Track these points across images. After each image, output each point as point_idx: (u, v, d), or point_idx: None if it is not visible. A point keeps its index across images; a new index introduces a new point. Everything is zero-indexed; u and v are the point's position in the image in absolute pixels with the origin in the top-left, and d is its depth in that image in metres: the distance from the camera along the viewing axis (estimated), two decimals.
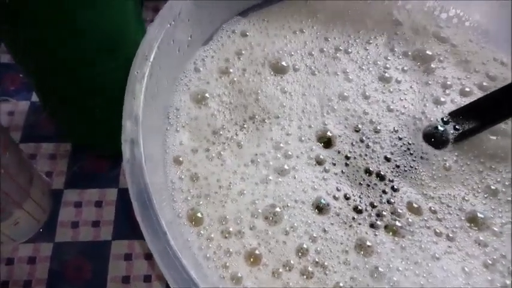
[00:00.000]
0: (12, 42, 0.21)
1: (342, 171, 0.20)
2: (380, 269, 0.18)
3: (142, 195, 0.15)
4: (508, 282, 0.18)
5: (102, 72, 0.22)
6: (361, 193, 0.20)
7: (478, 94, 0.23)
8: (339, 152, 0.21)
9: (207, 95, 0.21)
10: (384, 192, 0.20)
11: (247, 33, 0.23)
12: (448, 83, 0.23)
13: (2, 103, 0.30)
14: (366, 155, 0.21)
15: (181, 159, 0.20)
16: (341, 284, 0.17)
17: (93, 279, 0.25)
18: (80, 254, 0.25)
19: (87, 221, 0.27)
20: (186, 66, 0.22)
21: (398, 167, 0.21)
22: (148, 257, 0.25)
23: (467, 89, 0.23)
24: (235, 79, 0.22)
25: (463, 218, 0.20)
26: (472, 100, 0.22)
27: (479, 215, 0.20)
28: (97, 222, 0.27)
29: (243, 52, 0.23)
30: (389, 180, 0.20)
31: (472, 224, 0.20)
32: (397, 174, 0.20)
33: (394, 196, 0.20)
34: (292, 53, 0.23)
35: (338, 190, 0.20)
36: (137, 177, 0.15)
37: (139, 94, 0.17)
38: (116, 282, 0.24)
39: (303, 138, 0.21)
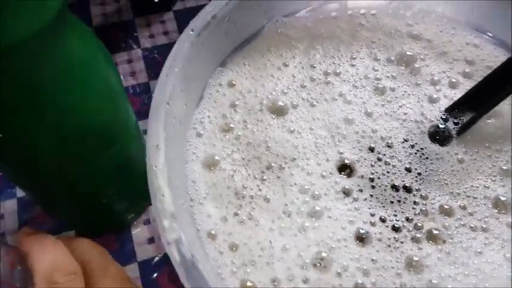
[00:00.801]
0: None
1: (371, 195, 0.21)
2: (434, 281, 0.18)
3: None
4: None
5: (102, 162, 0.21)
6: (395, 211, 0.20)
7: (465, 82, 0.24)
8: (362, 177, 0.21)
9: (217, 158, 0.21)
10: (415, 203, 0.20)
11: (234, 82, 0.23)
12: (436, 78, 0.24)
13: None
14: (388, 171, 0.21)
15: (213, 232, 0.19)
16: None
17: None
18: None
19: None
20: (187, 134, 0.21)
21: (420, 174, 0.21)
22: None
23: (453, 80, 0.24)
24: (239, 133, 0.22)
25: (490, 206, 0.21)
26: (460, 91, 0.23)
27: (501, 198, 0.21)
28: None
29: (237, 103, 0.22)
30: (417, 190, 0.21)
31: (500, 209, 0.21)
32: (421, 182, 0.21)
33: (426, 204, 0.20)
34: (285, 91, 0.23)
35: (372, 215, 0.20)
36: (193, 276, 0.15)
37: (165, 188, 0.16)
38: None
39: (324, 174, 0.21)
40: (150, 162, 0.17)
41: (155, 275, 0.27)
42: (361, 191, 0.21)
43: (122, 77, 0.34)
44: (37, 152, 0.19)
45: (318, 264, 0.19)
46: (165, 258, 0.28)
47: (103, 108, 0.18)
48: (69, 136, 0.17)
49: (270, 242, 0.19)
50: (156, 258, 0.28)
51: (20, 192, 0.29)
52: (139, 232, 0.28)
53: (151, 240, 0.28)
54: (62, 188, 0.23)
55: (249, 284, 0.18)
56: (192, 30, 0.20)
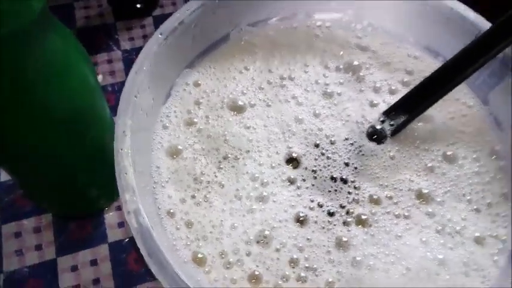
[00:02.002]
0: None
1: (312, 184, 0.24)
2: (358, 258, 0.22)
3: (157, 257, 0.17)
4: (457, 239, 0.23)
5: (77, 148, 0.24)
6: (331, 198, 0.23)
7: (403, 90, 0.27)
8: (306, 169, 0.24)
9: (180, 147, 0.24)
10: (349, 192, 0.24)
11: (199, 82, 0.26)
12: (378, 85, 0.28)
13: None
14: (329, 165, 0.24)
15: (172, 211, 0.22)
16: (330, 280, 0.21)
17: None
18: None
19: (88, 280, 0.28)
20: (155, 126, 0.24)
21: (356, 168, 0.24)
22: None
23: (393, 88, 0.28)
24: (201, 127, 0.25)
25: (413, 197, 0.24)
26: (398, 97, 0.27)
27: (424, 190, 0.24)
28: (97, 280, 0.29)
29: (201, 101, 0.25)
30: (352, 181, 0.24)
31: (421, 200, 0.24)
32: (356, 175, 0.24)
33: (358, 194, 0.24)
34: (245, 91, 0.26)
35: (312, 201, 0.23)
36: (148, 242, 0.18)
37: (129, 168, 0.19)
38: None
39: (273, 165, 0.24)
40: (117, 146, 0.19)
41: (124, 255, 0.30)
42: (304, 180, 0.24)
43: (101, 75, 0.37)
44: (18, 139, 0.21)
45: (261, 241, 0.22)
46: (133, 241, 0.31)
47: (78, 100, 0.21)
48: (46, 124, 0.20)
49: (221, 221, 0.22)
50: (125, 241, 0.30)
51: (3, 177, 0.31)
52: (111, 217, 0.31)
53: (121, 225, 0.31)
54: (41, 173, 0.25)
55: (199, 255, 0.21)
56: (161, 34, 0.23)
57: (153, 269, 0.17)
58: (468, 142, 0.26)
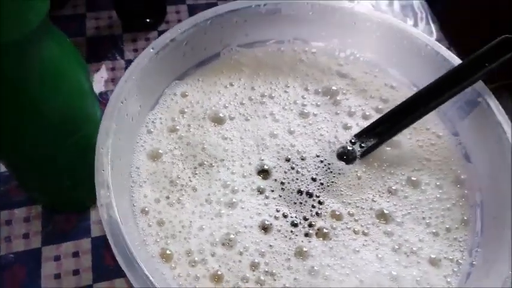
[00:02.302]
0: None
1: (280, 195, 0.25)
2: (315, 267, 0.23)
3: (122, 246, 0.19)
4: (413, 258, 0.24)
5: (66, 146, 0.26)
6: (296, 210, 0.25)
7: (376, 116, 0.29)
8: (275, 180, 0.26)
9: (160, 151, 0.26)
10: (313, 206, 0.25)
11: (187, 94, 0.28)
12: (352, 110, 0.29)
13: None
14: (297, 179, 0.26)
15: (147, 209, 0.24)
16: (287, 285, 0.22)
17: None
18: None
19: (68, 271, 0.30)
20: (139, 130, 0.26)
21: (322, 184, 0.26)
22: None
23: (367, 113, 0.29)
24: (182, 134, 0.27)
25: (373, 216, 0.25)
26: (370, 122, 0.28)
27: (385, 211, 0.26)
28: (77, 271, 0.30)
29: (186, 110, 0.28)
30: (316, 196, 0.26)
31: (381, 219, 0.25)
32: (322, 190, 0.26)
33: (321, 208, 0.25)
34: (227, 105, 0.28)
35: (278, 211, 0.25)
36: (116, 233, 0.20)
37: (106, 166, 0.21)
38: None
39: (245, 174, 0.26)
40: (98, 145, 0.21)
41: (103, 250, 0.31)
42: (272, 191, 0.25)
43: (103, 82, 0.40)
44: (12, 138, 0.24)
45: (226, 244, 0.23)
46: None
47: (70, 103, 0.23)
48: (39, 125, 0.22)
49: (191, 222, 0.24)
50: (106, 237, 0.32)
51: (1, 169, 0.34)
52: (96, 213, 0.33)
53: None
54: (33, 168, 0.28)
55: (167, 252, 0.23)
56: (152, 49, 0.25)
57: (118, 258, 0.19)
58: (433, 170, 0.27)
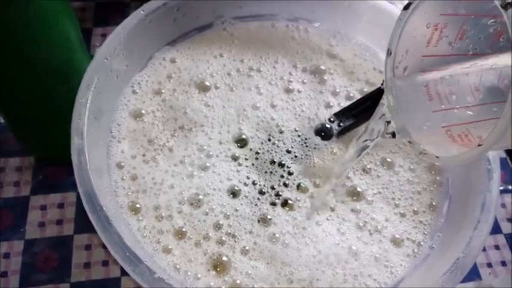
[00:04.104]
0: None
1: (253, 164, 0.26)
2: (276, 234, 0.24)
3: (88, 192, 0.20)
4: (375, 236, 0.25)
5: (55, 96, 0.27)
6: (265, 179, 0.26)
7: (359, 97, 0.30)
8: (251, 150, 0.27)
9: (143, 111, 0.27)
10: (282, 176, 0.26)
11: (176, 60, 0.29)
12: (337, 90, 0.30)
13: None
14: (273, 150, 0.27)
15: (122, 164, 0.25)
16: (247, 248, 0.23)
17: (60, 267, 0.29)
18: (47, 247, 0.30)
19: (52, 220, 0.32)
20: (124, 89, 0.27)
21: (296, 156, 0.27)
22: (105, 246, 0.31)
23: (351, 94, 0.30)
24: (166, 98, 0.28)
25: (344, 192, 0.26)
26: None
27: (357, 188, 0.26)
28: (60, 221, 0.32)
29: (173, 75, 0.28)
30: (287, 167, 0.26)
31: (352, 197, 0.26)
32: (294, 162, 0.26)
33: (289, 179, 0.26)
34: (214, 74, 0.29)
35: (248, 178, 0.26)
36: (84, 180, 0.21)
37: (83, 116, 0.22)
38: (79, 268, 0.30)
39: (222, 141, 0.27)
40: (78, 96, 0.23)
41: None
42: (246, 159, 0.26)
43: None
44: (8, 84, 0.25)
45: (194, 204, 0.24)
46: None
47: (57, 51, 0.24)
48: (27, 69, 0.24)
49: (162, 179, 0.25)
50: None
51: None
52: None
53: None
54: (24, 117, 0.29)
55: (137, 205, 0.24)
56: (143, 11, 0.26)
57: (84, 200, 0.20)
58: (409, 154, 0.28)
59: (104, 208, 0.20)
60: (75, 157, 0.21)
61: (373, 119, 0.22)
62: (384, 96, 0.21)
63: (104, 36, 0.42)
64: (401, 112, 0.20)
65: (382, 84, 0.22)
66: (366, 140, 0.22)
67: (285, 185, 0.26)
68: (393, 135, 0.21)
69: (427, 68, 0.20)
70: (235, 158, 0.26)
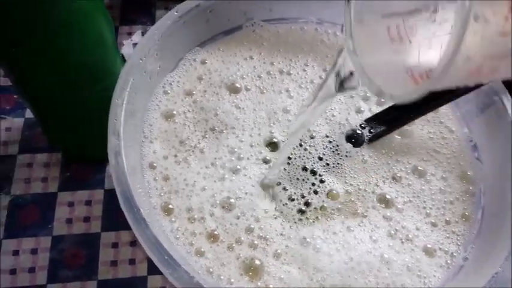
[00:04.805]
0: (13, 74, 0.26)
1: (284, 169, 0.26)
2: (307, 239, 0.24)
3: (125, 194, 0.21)
4: (407, 245, 0.25)
5: (87, 95, 0.27)
6: (296, 187, 0.26)
7: (391, 103, 0.29)
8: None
9: (174, 112, 0.27)
10: (313, 184, 0.26)
11: (206, 61, 0.29)
12: (368, 95, 0.29)
13: (0, 121, 0.35)
14: (304, 156, 0.27)
15: (155, 164, 0.25)
16: (278, 251, 0.23)
17: (87, 264, 0.30)
18: (74, 244, 0.30)
19: (79, 217, 0.32)
20: (156, 90, 0.27)
21: (328, 164, 0.27)
22: (133, 244, 0.31)
23: (382, 100, 0.29)
24: (197, 99, 0.27)
25: (375, 199, 0.26)
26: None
27: (387, 196, 0.26)
28: (87, 218, 0.32)
29: (203, 77, 0.28)
30: (320, 175, 0.26)
31: (382, 204, 0.26)
32: (326, 170, 0.26)
33: (319, 187, 0.26)
34: (244, 76, 0.29)
35: (278, 184, 0.26)
36: (121, 180, 0.21)
37: (119, 116, 0.22)
38: (106, 266, 0.30)
39: (253, 144, 0.27)
40: (114, 96, 0.23)
41: (114, 203, 0.33)
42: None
43: (131, 44, 0.41)
44: (41, 82, 0.25)
45: (225, 207, 0.24)
46: None
47: (92, 51, 0.24)
48: (61, 67, 0.24)
49: (194, 181, 0.25)
50: None
51: (28, 114, 0.36)
52: None
53: None
54: (55, 114, 0.29)
55: (170, 206, 0.24)
56: (177, 12, 0.26)
57: (121, 201, 0.20)
58: (441, 162, 0.27)
59: (141, 210, 0.20)
60: (112, 157, 0.21)
61: (331, 72, 0.21)
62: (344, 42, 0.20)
63: (130, 34, 0.42)
64: (362, 55, 0.19)
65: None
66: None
67: (315, 192, 0.25)
68: (350, 75, 0.20)
69: (388, 11, 0.19)
70: (266, 162, 0.26)
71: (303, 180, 0.26)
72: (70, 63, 0.24)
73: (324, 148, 0.27)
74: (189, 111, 0.27)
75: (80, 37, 0.23)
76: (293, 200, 0.25)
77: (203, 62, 0.29)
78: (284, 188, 0.25)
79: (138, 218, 0.20)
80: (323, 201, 0.25)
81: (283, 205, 0.25)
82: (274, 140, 0.27)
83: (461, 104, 0.28)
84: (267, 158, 0.26)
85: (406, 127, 0.28)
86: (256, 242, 0.23)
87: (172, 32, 0.26)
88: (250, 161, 0.26)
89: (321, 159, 0.27)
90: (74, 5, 0.22)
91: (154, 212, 0.23)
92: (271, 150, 0.27)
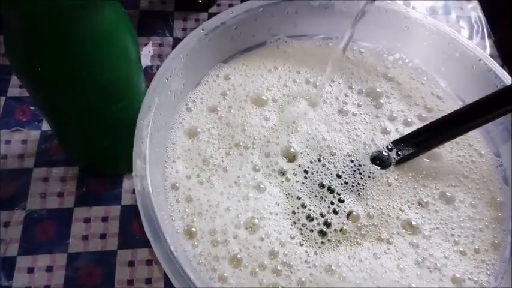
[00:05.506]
0: (34, 90, 0.25)
1: (302, 182, 0.25)
2: (332, 266, 0.23)
3: (151, 218, 0.20)
4: (435, 274, 0.24)
5: (109, 112, 0.27)
6: (315, 204, 0.25)
7: (418, 124, 0.28)
8: (299, 166, 0.26)
9: (198, 129, 0.26)
10: (332, 203, 0.25)
11: (230, 77, 0.29)
12: (394, 115, 0.29)
13: (16, 133, 0.35)
14: (322, 171, 0.26)
15: (177, 185, 0.24)
16: (303, 279, 0.22)
17: (102, 283, 0.29)
18: (90, 262, 0.30)
19: (95, 234, 0.31)
20: (180, 107, 0.26)
21: (346, 183, 0.26)
22: (149, 263, 0.30)
23: (409, 120, 0.29)
24: (222, 115, 0.27)
25: (399, 225, 0.25)
26: (411, 130, 0.28)
27: (412, 222, 0.25)
28: (104, 235, 0.31)
29: (228, 92, 0.28)
30: (338, 194, 0.25)
31: (407, 230, 0.25)
32: (345, 189, 0.26)
33: (339, 206, 0.25)
34: (270, 88, 0.28)
35: (298, 199, 0.25)
36: (147, 204, 0.20)
37: (145, 139, 0.22)
38: (122, 285, 0.29)
39: (270, 153, 0.26)
40: (140, 117, 0.22)
41: (131, 219, 0.33)
42: (295, 174, 0.25)
43: (150, 56, 0.41)
44: (64, 97, 0.25)
45: (250, 228, 0.24)
46: None
47: (118, 68, 0.24)
48: (87, 85, 0.23)
49: (218, 202, 0.24)
50: (136, 207, 0.33)
51: (44, 126, 0.35)
52: (129, 182, 0.34)
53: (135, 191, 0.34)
54: (74, 129, 0.29)
55: (193, 229, 0.23)
56: (203, 29, 0.26)
57: (146, 229, 0.20)
58: (470, 188, 0.26)
59: (166, 235, 0.20)
60: (138, 183, 0.20)
61: None
62: None
63: (146, 45, 0.42)
64: None
65: None
66: None
67: (335, 212, 0.25)
68: None
69: None
70: (283, 173, 0.25)
71: (321, 197, 0.25)
72: (94, 79, 0.24)
73: (343, 166, 0.26)
74: (213, 127, 0.27)
75: (104, 53, 0.23)
76: (312, 219, 0.24)
77: (226, 78, 0.29)
78: (303, 205, 0.25)
79: (165, 247, 0.19)
80: (343, 223, 0.24)
81: (302, 225, 0.24)
82: (292, 150, 0.26)
83: (489, 127, 0.28)
84: (284, 168, 0.25)
85: (435, 150, 0.27)
86: (280, 268, 0.23)
87: (198, 49, 0.26)
88: (271, 176, 0.25)
89: (339, 176, 0.26)
90: (100, 20, 0.21)
91: (177, 236, 0.23)
92: (288, 161, 0.26)
